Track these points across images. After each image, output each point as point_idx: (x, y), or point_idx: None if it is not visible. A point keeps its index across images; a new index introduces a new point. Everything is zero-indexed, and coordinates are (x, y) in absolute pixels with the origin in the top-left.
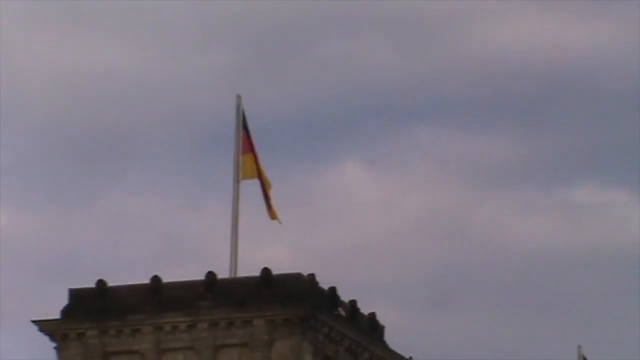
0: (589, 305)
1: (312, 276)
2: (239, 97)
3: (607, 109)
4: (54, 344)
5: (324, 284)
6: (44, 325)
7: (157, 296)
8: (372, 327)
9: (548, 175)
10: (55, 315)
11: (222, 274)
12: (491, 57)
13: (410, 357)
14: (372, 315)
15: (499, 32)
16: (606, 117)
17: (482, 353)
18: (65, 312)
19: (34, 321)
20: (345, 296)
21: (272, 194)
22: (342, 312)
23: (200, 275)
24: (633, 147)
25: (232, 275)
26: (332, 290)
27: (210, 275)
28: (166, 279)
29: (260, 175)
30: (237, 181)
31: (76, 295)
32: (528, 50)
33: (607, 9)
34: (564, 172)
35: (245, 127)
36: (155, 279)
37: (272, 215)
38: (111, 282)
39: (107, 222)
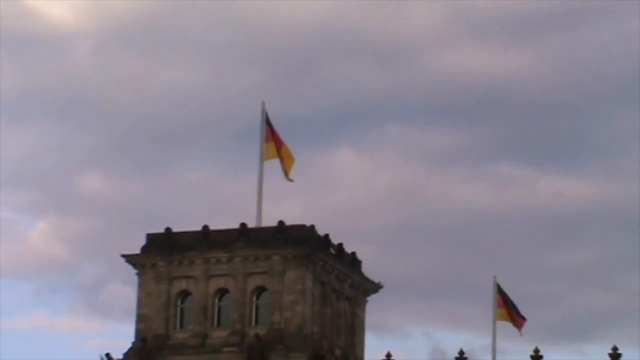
0: (506, 247)
1: (312, 226)
2: (263, 103)
3: (521, 112)
4: (135, 271)
5: (321, 231)
6: (129, 258)
7: (206, 239)
8: (353, 262)
9: (480, 156)
10: (137, 251)
11: (251, 224)
12: (442, 76)
13: (380, 282)
14: (354, 254)
15: (447, 58)
16: (521, 117)
17: (428, 280)
18: (144, 249)
19: (122, 255)
20: (335, 240)
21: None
22: (333, 251)
23: (235, 225)
24: (539, 137)
25: (258, 225)
26: (326, 236)
27: (243, 225)
28: (212, 227)
29: (280, 156)
30: (261, 160)
31: (151, 238)
32: (468, 71)
33: (524, 42)
34: (491, 154)
35: (269, 123)
36: (205, 227)
37: (287, 176)
38: (175, 229)
39: (173, 187)
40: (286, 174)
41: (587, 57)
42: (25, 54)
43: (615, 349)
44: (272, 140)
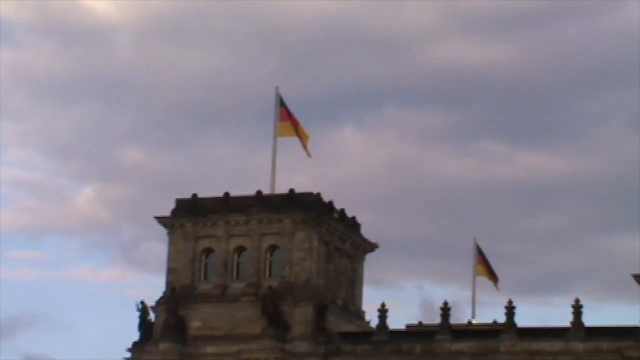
0: (486, 213)
1: (318, 194)
2: (277, 88)
3: (501, 97)
4: (166, 231)
5: (326, 198)
6: (161, 220)
7: (227, 204)
8: (353, 224)
9: (466, 134)
10: (167, 214)
11: (266, 191)
12: (433, 65)
13: (376, 242)
14: (354, 218)
15: (438, 49)
16: (501, 101)
17: (419, 241)
18: (174, 212)
19: (155, 217)
20: (338, 206)
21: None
22: (336, 215)
23: (252, 192)
24: (516, 118)
25: (272, 193)
26: (330, 202)
27: (259, 192)
28: (232, 194)
29: (298, 134)
30: (275, 137)
31: (180, 202)
32: (456, 61)
33: (505, 37)
34: (475, 133)
35: (283, 105)
36: (226, 194)
37: (308, 153)
38: (200, 195)
39: (199, 159)
40: (306, 150)
41: (558, 50)
42: (74, 43)
43: (577, 301)
44: (288, 120)
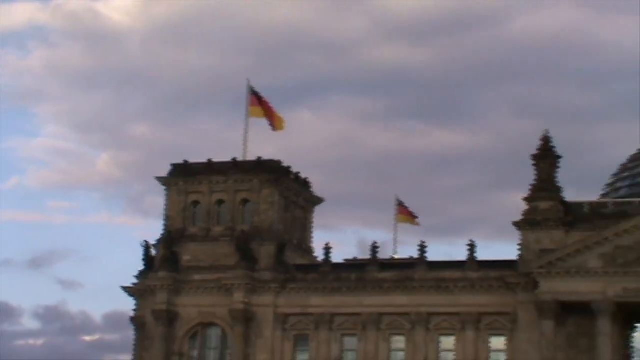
0: (408, 175)
1: (279, 161)
2: (248, 80)
3: (420, 87)
4: (164, 187)
5: (285, 164)
6: (160, 179)
7: (210, 167)
8: (305, 184)
9: (393, 115)
10: (165, 174)
11: (240, 158)
12: (368, 62)
13: (323, 197)
14: (306, 179)
15: (372, 50)
16: (421, 90)
17: (356, 197)
18: (170, 173)
19: (156, 177)
20: (294, 170)
21: (284, 125)
22: (292, 177)
23: (229, 159)
24: (432, 103)
25: (244, 159)
26: (288, 167)
27: (234, 159)
28: (215, 160)
29: (265, 115)
30: (247, 118)
31: (174, 166)
32: (386, 59)
33: (424, 41)
34: (400, 114)
35: (255, 94)
36: (210, 160)
37: (279, 127)
38: (190, 161)
39: (190, 133)
40: (273, 128)
41: (462, 52)
42: (95, 44)
43: (472, 241)
44: (259, 105)
